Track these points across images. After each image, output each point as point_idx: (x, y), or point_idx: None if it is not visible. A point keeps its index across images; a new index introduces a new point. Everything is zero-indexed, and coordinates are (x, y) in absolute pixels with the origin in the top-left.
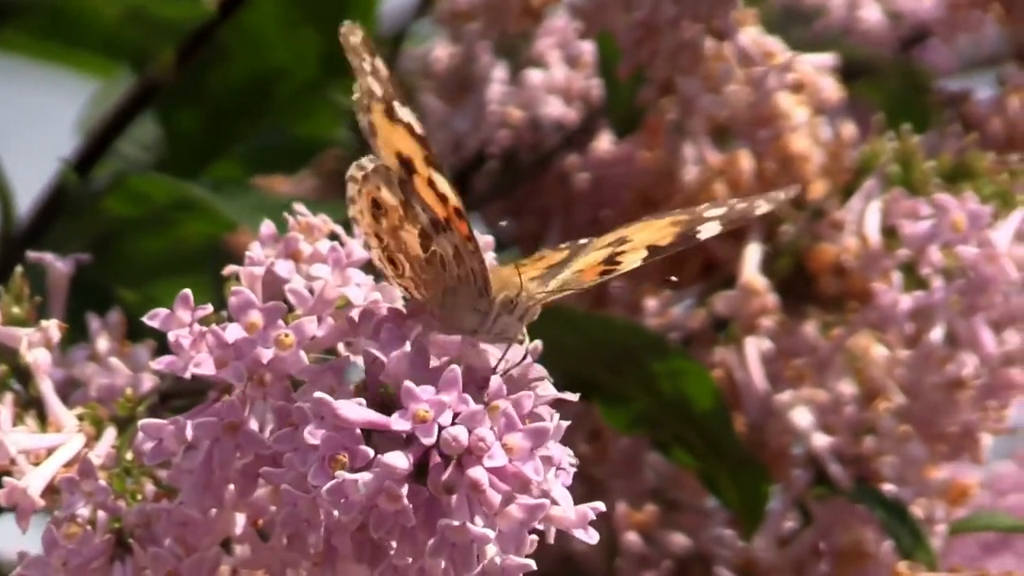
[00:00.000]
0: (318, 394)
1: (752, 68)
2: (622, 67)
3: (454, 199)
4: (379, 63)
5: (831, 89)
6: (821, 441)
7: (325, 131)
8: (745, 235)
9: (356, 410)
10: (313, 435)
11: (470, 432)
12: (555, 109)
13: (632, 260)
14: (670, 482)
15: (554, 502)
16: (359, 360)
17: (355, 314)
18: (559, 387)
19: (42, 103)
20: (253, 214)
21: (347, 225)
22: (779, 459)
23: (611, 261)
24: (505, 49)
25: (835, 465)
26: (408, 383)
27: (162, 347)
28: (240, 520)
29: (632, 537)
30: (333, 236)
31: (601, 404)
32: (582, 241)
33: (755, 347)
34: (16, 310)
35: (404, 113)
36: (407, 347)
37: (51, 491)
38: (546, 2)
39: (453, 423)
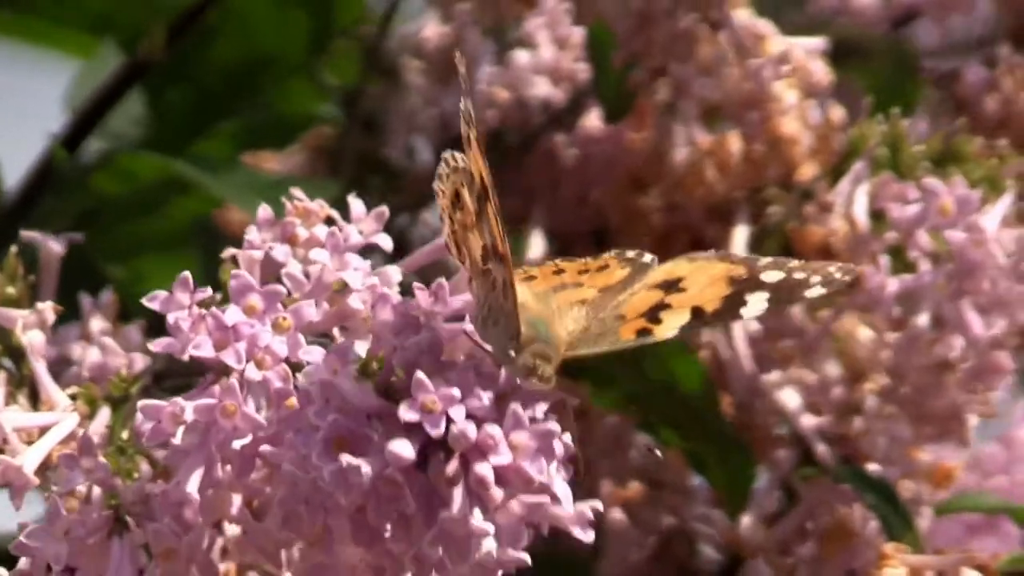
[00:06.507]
0: (325, 376)
1: (747, 57)
2: (617, 56)
3: (502, 246)
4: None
5: (822, 73)
6: (808, 421)
7: (310, 108)
8: (732, 216)
9: (364, 396)
10: (319, 417)
11: (479, 428)
12: (542, 89)
13: (671, 325)
14: (653, 462)
15: (554, 499)
16: (359, 345)
17: (370, 298)
18: None
19: (23, 82)
20: (242, 192)
21: (339, 205)
22: (765, 439)
23: (653, 317)
24: (493, 30)
25: (822, 445)
26: (419, 374)
27: (153, 326)
28: (236, 501)
29: (617, 515)
30: (330, 221)
31: (589, 385)
32: (646, 259)
33: (742, 328)
34: (11, 290)
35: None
36: (422, 335)
37: (43, 469)
38: None
39: (465, 418)
